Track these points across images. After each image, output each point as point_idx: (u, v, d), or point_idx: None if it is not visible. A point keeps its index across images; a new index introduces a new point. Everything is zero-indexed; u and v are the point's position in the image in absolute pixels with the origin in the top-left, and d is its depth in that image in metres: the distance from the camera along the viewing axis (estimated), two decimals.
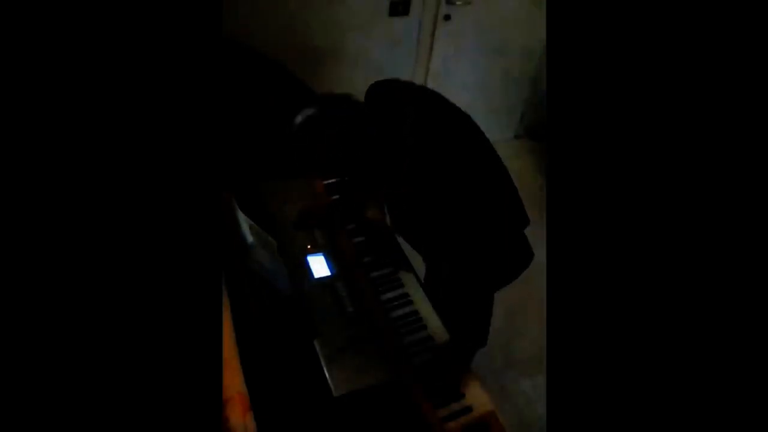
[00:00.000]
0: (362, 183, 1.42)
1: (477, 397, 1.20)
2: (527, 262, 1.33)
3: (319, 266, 1.40)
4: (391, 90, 1.26)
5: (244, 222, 1.30)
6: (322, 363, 1.19)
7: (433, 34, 2.45)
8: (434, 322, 1.35)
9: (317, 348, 1.22)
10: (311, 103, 1.08)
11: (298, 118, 1.05)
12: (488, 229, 1.17)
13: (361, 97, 1.20)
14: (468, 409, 1.17)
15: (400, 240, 1.56)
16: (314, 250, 1.44)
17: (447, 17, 2.41)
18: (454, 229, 1.17)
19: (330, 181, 1.69)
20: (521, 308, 2.17)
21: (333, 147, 1.06)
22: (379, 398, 1.15)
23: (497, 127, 2.98)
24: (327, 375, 1.17)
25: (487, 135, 1.26)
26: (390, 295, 1.40)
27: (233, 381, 1.01)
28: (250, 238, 1.26)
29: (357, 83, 2.48)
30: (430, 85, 2.61)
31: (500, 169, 1.22)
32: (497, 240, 1.21)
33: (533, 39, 2.69)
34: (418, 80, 2.59)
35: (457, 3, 2.37)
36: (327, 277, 1.38)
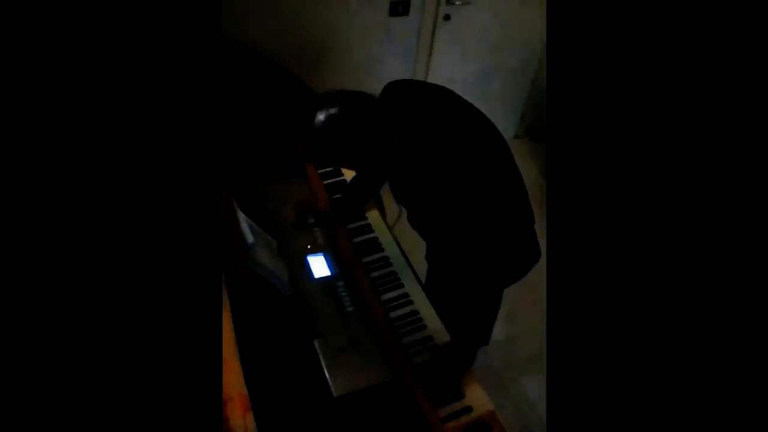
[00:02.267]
0: (373, 179, 1.41)
1: (477, 397, 1.20)
2: (535, 259, 1.33)
3: (319, 266, 1.40)
4: (406, 88, 1.26)
5: (244, 222, 1.30)
6: (322, 363, 1.19)
7: (433, 34, 2.45)
8: (434, 322, 1.35)
9: (317, 348, 1.22)
10: (329, 100, 1.08)
11: (320, 116, 1.05)
12: (499, 224, 1.17)
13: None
14: (468, 409, 1.18)
15: (402, 238, 1.56)
16: (314, 250, 1.44)
17: (447, 17, 2.41)
18: (465, 223, 1.16)
19: (330, 181, 1.69)
20: (521, 308, 2.17)
21: (354, 144, 1.05)
22: (379, 398, 1.15)
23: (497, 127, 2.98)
24: (327, 375, 1.17)
25: None
26: (390, 295, 1.40)
27: (233, 381, 1.01)
28: (250, 238, 1.26)
29: (357, 83, 2.49)
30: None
31: (512, 166, 1.22)
32: (507, 235, 1.21)
33: (533, 39, 2.69)
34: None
35: (457, 3, 2.37)
36: (327, 277, 1.38)
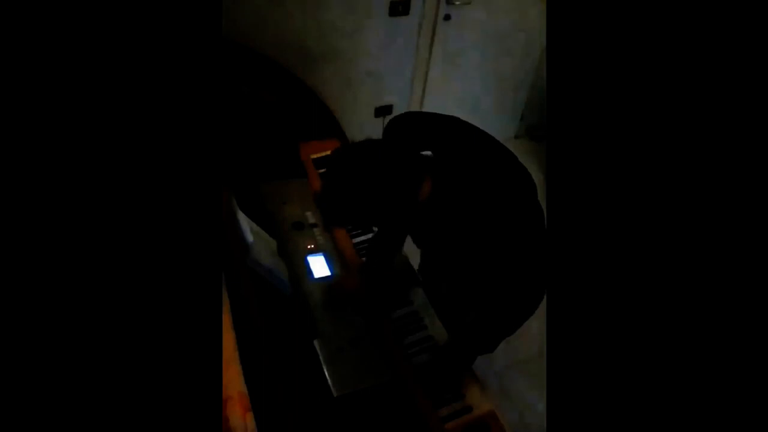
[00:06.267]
0: (397, 232, 1.33)
1: (477, 397, 1.20)
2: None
3: (319, 266, 1.40)
4: (414, 124, 1.19)
5: (244, 222, 1.30)
6: (322, 363, 1.19)
7: (433, 34, 2.45)
8: (434, 322, 1.35)
9: (317, 348, 1.22)
10: (343, 159, 0.99)
11: (340, 177, 0.96)
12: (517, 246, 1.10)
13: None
14: (468, 409, 1.18)
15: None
16: (314, 250, 1.44)
17: (447, 17, 2.41)
18: (487, 250, 1.10)
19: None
20: None
21: (379, 194, 0.95)
22: (379, 398, 1.15)
23: (497, 127, 2.98)
24: (327, 375, 1.17)
25: None
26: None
27: (233, 381, 1.01)
28: (250, 238, 1.26)
29: (357, 83, 2.49)
30: (430, 85, 2.62)
31: (531, 186, 1.15)
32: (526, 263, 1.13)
33: (533, 39, 2.69)
34: (418, 80, 2.59)
35: (457, 3, 2.37)
36: (327, 277, 1.38)
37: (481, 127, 1.21)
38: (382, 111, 2.63)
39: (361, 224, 1.14)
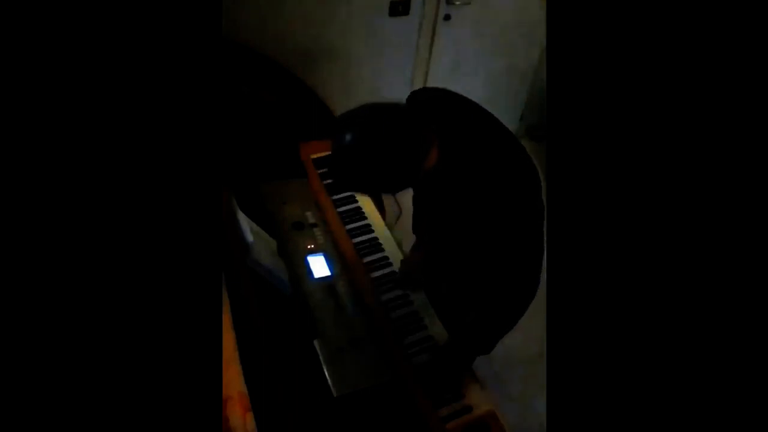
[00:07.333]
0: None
1: (477, 397, 1.20)
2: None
3: (319, 266, 1.40)
4: (434, 98, 1.21)
5: (244, 222, 1.30)
6: (322, 363, 1.19)
7: (433, 34, 2.45)
8: (434, 322, 1.35)
9: (317, 348, 1.22)
10: (357, 117, 0.99)
11: (347, 137, 0.96)
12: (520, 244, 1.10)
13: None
14: (468, 409, 1.18)
15: (402, 238, 1.55)
16: (314, 250, 1.44)
17: (447, 17, 2.41)
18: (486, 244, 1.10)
19: (330, 181, 1.66)
20: None
21: (390, 158, 0.96)
22: (379, 398, 1.15)
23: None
24: (327, 375, 1.17)
25: None
26: (390, 295, 1.40)
27: (233, 381, 1.01)
28: (250, 238, 1.26)
29: (357, 83, 2.49)
30: (430, 85, 2.61)
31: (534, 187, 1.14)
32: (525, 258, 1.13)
33: (533, 39, 2.69)
34: (418, 80, 2.59)
35: (457, 3, 2.37)
36: (327, 277, 1.38)
37: None
38: None
39: (368, 186, 1.14)
